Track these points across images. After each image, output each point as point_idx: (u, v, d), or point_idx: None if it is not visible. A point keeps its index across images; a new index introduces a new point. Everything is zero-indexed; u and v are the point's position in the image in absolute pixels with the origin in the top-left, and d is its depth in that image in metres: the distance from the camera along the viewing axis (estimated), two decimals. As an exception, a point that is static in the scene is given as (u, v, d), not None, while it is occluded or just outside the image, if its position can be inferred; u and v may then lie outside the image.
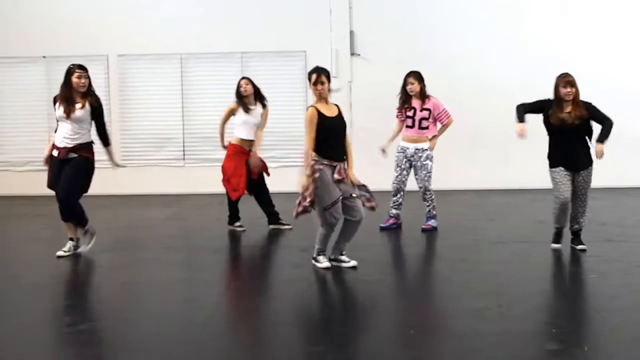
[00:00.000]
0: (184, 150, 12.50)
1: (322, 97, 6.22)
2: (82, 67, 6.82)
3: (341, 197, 6.13)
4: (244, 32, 12.23)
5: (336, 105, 6.37)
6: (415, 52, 12.01)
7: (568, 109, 6.64)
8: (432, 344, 4.39)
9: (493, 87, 12.02)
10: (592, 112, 6.68)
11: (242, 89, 8.21)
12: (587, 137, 6.75)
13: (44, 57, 12.40)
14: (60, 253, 6.92)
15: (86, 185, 6.87)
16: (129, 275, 6.35)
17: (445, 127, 8.07)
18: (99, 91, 12.16)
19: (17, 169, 12.41)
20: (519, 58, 12.02)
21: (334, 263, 6.31)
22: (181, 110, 12.40)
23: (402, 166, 8.04)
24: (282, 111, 11.10)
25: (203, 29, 12.27)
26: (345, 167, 6.23)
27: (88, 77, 6.82)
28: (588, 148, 6.77)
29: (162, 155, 12.51)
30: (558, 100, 6.68)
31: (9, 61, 12.45)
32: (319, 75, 6.18)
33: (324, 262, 6.24)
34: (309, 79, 6.26)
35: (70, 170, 6.74)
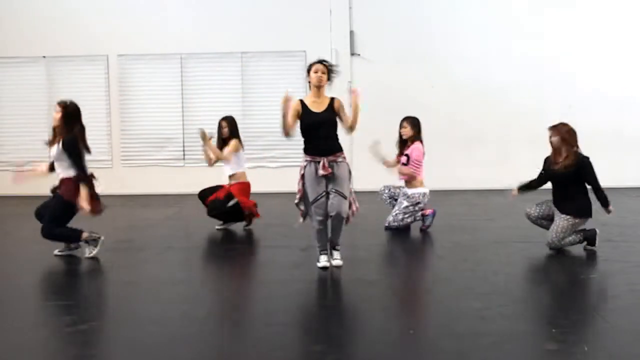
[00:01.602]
0: (184, 150, 12.51)
1: (318, 87, 6.11)
2: (59, 103, 6.66)
3: (324, 193, 6.10)
4: (244, 32, 12.25)
5: (331, 98, 6.17)
6: (415, 52, 12.03)
7: (558, 158, 6.78)
8: (432, 344, 4.38)
9: (493, 87, 12.05)
10: (583, 169, 6.63)
11: (222, 132, 8.22)
12: (576, 188, 6.71)
13: (44, 57, 12.41)
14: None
15: (64, 218, 6.73)
16: (129, 275, 6.34)
17: (408, 174, 8.03)
18: (99, 91, 12.39)
19: (17, 169, 12.41)
20: (519, 58, 12.04)
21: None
22: (181, 110, 12.40)
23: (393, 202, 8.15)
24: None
25: (203, 29, 12.28)
26: (333, 161, 6.09)
27: (61, 112, 6.59)
28: (575, 199, 6.72)
29: (162, 155, 12.53)
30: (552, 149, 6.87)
31: (9, 61, 12.47)
32: (319, 63, 6.13)
33: (321, 262, 6.23)
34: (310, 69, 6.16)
35: (52, 206, 6.72)
